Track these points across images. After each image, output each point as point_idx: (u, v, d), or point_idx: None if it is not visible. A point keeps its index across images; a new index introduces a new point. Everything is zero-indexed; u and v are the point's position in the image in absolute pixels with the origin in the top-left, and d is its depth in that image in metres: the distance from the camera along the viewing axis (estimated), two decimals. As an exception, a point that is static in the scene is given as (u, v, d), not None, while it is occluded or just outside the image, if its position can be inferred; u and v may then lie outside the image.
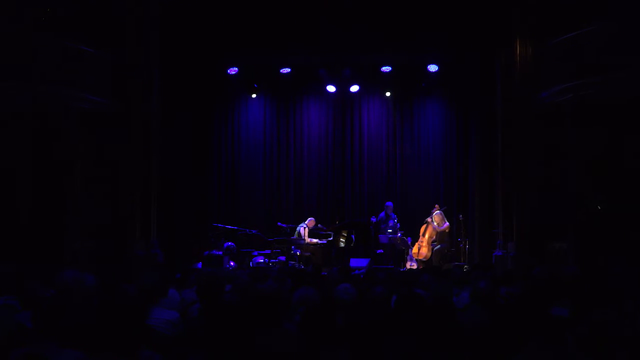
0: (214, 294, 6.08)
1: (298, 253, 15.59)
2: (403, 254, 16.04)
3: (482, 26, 15.27)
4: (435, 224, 15.90)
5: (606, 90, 12.73)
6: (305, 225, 16.34)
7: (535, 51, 14.31)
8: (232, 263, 15.04)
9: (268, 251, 15.70)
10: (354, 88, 17.92)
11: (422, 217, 16.48)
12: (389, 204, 16.62)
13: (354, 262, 14.81)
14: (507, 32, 14.78)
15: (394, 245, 15.90)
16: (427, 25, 15.45)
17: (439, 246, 15.83)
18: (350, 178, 18.38)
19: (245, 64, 17.36)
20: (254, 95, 18.29)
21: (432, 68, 16.99)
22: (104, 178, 14.02)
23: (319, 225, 16.50)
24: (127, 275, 7.83)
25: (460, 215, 16.36)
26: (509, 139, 14.84)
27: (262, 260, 15.53)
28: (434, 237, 15.92)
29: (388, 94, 18.03)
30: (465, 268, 14.10)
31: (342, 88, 17.92)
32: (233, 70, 17.32)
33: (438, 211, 16.01)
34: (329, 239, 16.22)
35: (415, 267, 15.51)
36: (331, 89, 17.89)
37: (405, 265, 15.69)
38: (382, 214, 16.50)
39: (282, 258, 15.37)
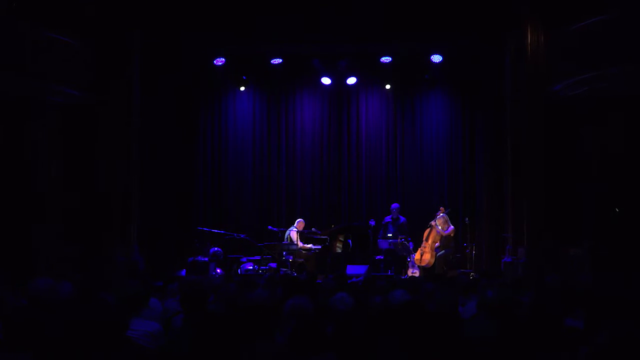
0: (199, 304, 6.09)
1: (290, 259, 15.57)
2: (404, 260, 16.05)
3: (490, 13, 15.24)
4: (439, 227, 15.87)
5: (625, 82, 12.73)
6: (294, 228, 16.30)
7: (548, 40, 14.33)
8: (218, 270, 15.02)
9: (258, 257, 15.67)
10: (351, 80, 17.89)
11: (425, 221, 16.43)
12: (395, 205, 16.64)
13: (351, 269, 14.78)
14: (517, 19, 14.79)
15: (395, 251, 15.90)
16: (431, 12, 15.40)
17: (443, 252, 15.79)
18: (347, 178, 18.35)
19: (233, 54, 17.31)
20: (242, 88, 18.24)
21: (436, 59, 16.93)
22: (81, 177, 14.00)
23: (313, 229, 16.46)
24: (105, 283, 7.84)
25: (467, 219, 16.34)
26: (519, 136, 14.84)
27: (251, 267, 15.51)
28: (438, 242, 15.89)
29: (388, 86, 17.99)
30: (472, 275, 14.09)
31: (338, 80, 17.90)
32: (220, 61, 17.25)
33: (442, 214, 15.98)
34: (324, 244, 16.20)
35: (417, 274, 15.51)
36: (326, 81, 17.86)
37: (406, 273, 15.69)
38: (389, 218, 16.52)
39: (273, 265, 15.34)
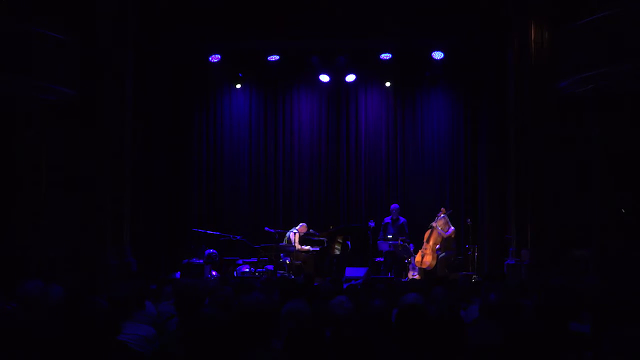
0: (194, 307, 6.07)
1: (287, 261, 15.57)
2: (405, 262, 16.02)
3: (493, 9, 15.24)
4: (439, 229, 15.85)
5: (631, 79, 12.72)
6: (296, 231, 16.29)
7: (552, 36, 14.31)
8: (214, 273, 15.00)
9: (254, 259, 15.68)
10: (350, 77, 17.89)
11: (426, 222, 16.43)
12: (395, 206, 16.60)
13: (350, 272, 14.79)
14: (521, 15, 14.78)
15: (395, 252, 15.88)
16: (432, 8, 15.41)
17: (444, 254, 15.79)
18: (346, 178, 18.35)
19: (229, 50, 17.31)
20: (238, 86, 18.24)
21: (437, 55, 16.94)
22: (72, 178, 13.96)
23: (310, 230, 16.46)
24: (97, 286, 7.83)
25: (469, 219, 16.34)
26: (523, 134, 14.82)
27: (247, 270, 15.51)
28: (439, 243, 15.88)
29: (388, 84, 18.00)
30: (474, 278, 14.10)
31: (337, 78, 17.90)
32: (215, 58, 17.26)
33: (443, 215, 15.96)
34: (322, 245, 16.20)
35: (418, 277, 15.49)
36: (324, 78, 17.86)
37: (407, 275, 15.67)
38: (388, 219, 16.48)
39: (270, 267, 15.34)
